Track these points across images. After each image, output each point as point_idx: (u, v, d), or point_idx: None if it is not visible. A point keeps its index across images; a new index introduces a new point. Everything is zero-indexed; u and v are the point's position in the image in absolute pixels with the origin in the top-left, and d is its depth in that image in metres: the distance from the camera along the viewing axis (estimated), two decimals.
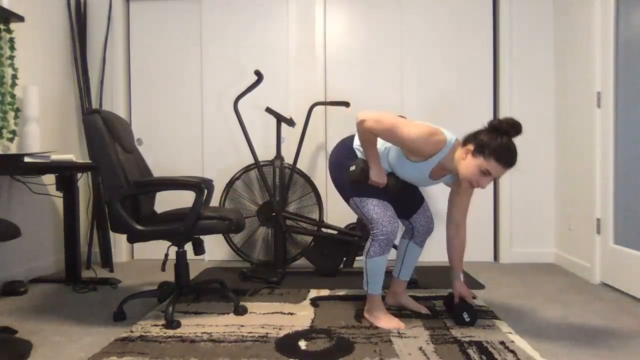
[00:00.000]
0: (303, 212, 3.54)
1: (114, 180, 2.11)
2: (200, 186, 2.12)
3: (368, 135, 2.04)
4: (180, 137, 3.75)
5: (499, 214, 3.55)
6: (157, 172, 3.71)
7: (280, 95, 3.66)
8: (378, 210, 2.12)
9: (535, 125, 3.48)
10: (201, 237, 2.36)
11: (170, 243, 2.33)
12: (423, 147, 1.98)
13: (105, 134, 2.14)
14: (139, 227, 2.11)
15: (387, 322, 2.13)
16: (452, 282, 2.23)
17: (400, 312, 2.28)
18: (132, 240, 2.16)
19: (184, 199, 3.67)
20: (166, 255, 2.27)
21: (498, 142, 1.89)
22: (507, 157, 1.89)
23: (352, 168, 2.12)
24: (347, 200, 2.24)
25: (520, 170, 3.50)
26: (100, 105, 3.62)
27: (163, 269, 2.25)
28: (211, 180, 2.58)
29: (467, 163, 1.94)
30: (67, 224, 3.02)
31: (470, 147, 1.95)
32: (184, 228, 2.13)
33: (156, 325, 2.12)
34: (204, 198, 2.58)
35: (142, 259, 3.76)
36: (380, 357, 1.74)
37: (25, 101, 2.87)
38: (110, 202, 2.11)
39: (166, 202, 3.68)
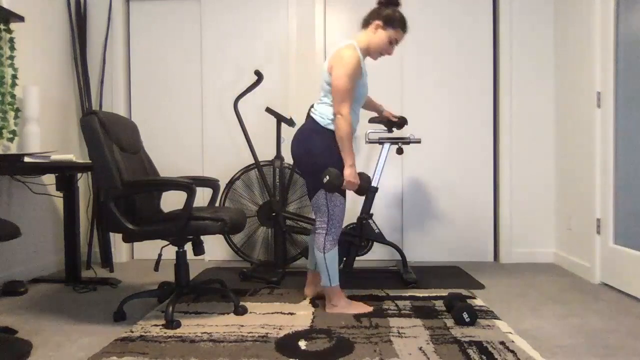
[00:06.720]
0: (303, 212, 3.55)
1: (107, 180, 2.11)
2: (191, 187, 2.11)
3: (348, 126, 2.18)
4: (180, 137, 3.75)
5: (499, 214, 3.55)
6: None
7: (280, 95, 3.67)
8: (341, 209, 2.29)
9: (535, 125, 3.48)
10: (201, 237, 2.36)
11: (166, 243, 2.33)
12: (355, 69, 2.20)
13: (101, 135, 2.13)
14: (131, 227, 2.11)
15: (358, 307, 2.28)
16: (381, 112, 2.76)
17: (400, 311, 2.28)
18: (126, 239, 2.17)
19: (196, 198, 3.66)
20: (159, 255, 2.28)
21: (399, 14, 2.26)
22: (406, 26, 2.29)
23: (327, 179, 2.17)
24: (315, 188, 2.28)
25: (520, 170, 3.50)
26: (100, 105, 3.62)
27: (156, 269, 2.26)
28: (217, 180, 2.59)
29: (379, 36, 2.25)
30: (67, 224, 3.02)
31: (379, 22, 2.24)
32: (175, 228, 2.12)
33: (156, 325, 2.12)
34: (212, 197, 2.60)
35: (142, 259, 3.76)
36: (380, 357, 1.74)
37: (25, 101, 2.87)
38: (104, 202, 2.11)
39: (174, 202, 3.68)
